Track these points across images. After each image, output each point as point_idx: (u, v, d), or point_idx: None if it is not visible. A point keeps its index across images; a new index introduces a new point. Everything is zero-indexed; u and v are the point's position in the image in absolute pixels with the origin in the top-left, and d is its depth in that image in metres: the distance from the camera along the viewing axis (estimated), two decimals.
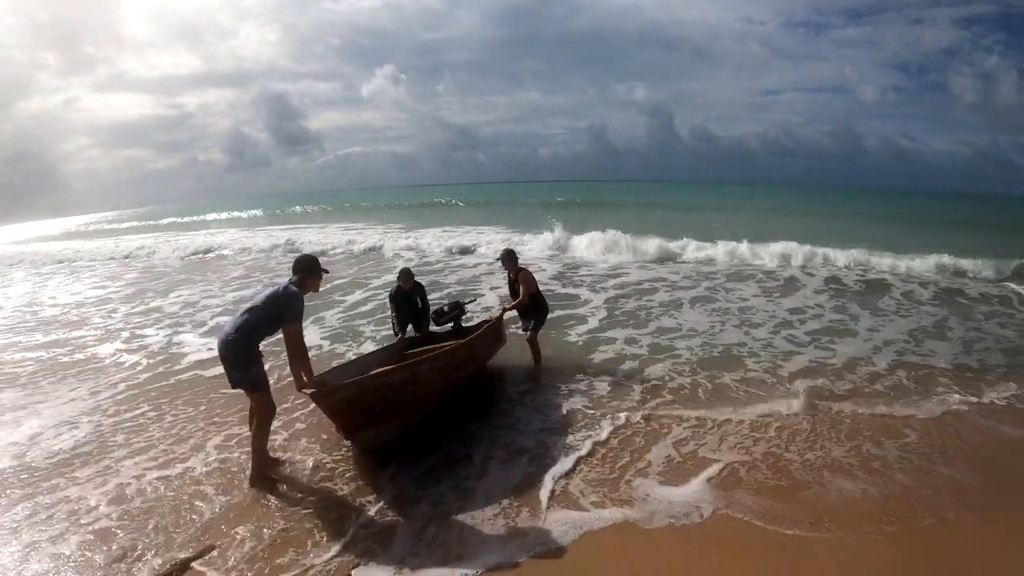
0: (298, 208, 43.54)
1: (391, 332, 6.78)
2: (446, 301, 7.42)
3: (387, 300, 6.82)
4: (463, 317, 6.96)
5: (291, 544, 3.48)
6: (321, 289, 4.50)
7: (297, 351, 4.14)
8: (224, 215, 42.71)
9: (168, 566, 3.26)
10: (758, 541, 3.39)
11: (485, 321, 6.86)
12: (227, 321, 4.32)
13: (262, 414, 4.18)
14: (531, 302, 6.50)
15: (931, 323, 8.58)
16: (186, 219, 41.64)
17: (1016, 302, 9.93)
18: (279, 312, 4.09)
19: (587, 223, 18.52)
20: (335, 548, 3.41)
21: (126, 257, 20.30)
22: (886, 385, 6.11)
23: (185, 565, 3.27)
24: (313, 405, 5.22)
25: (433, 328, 6.82)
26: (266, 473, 4.24)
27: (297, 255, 4.57)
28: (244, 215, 41.73)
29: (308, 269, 4.33)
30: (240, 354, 4.03)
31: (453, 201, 42.54)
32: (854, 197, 52.43)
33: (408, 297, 6.63)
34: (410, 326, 6.75)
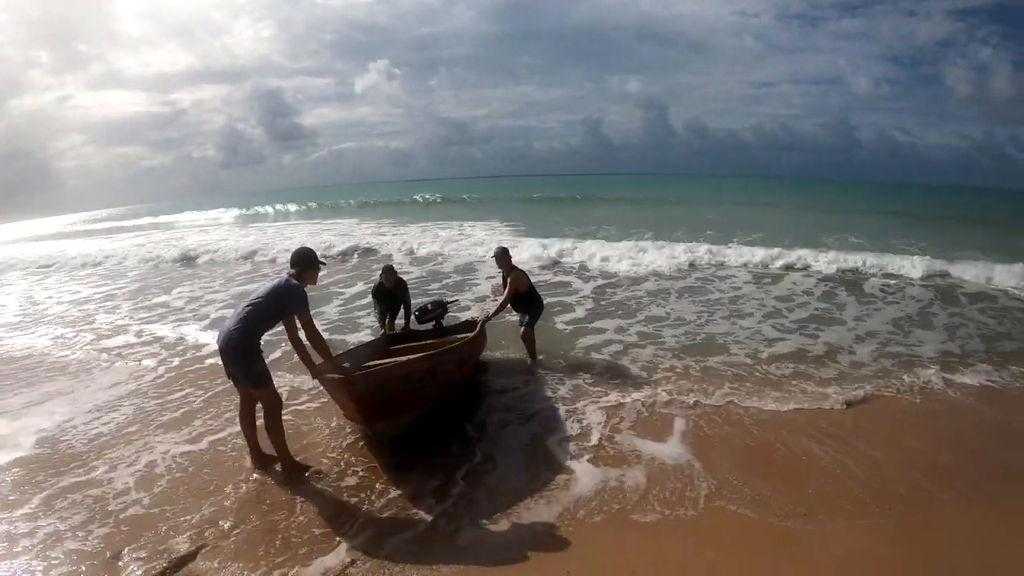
0: (278, 207, 39.92)
1: (414, 311, 6.85)
2: (429, 299, 7.51)
3: (371, 296, 6.85)
4: (445, 316, 6.99)
5: (299, 538, 3.49)
6: (319, 283, 4.52)
7: (313, 338, 4.14)
8: (199, 215, 39.36)
9: (164, 563, 3.26)
10: (752, 535, 3.41)
11: (467, 321, 6.94)
12: (228, 316, 4.27)
13: (270, 407, 4.16)
14: (526, 299, 6.52)
15: (915, 311, 8.82)
16: (161, 218, 38.74)
17: (1005, 296, 9.94)
18: (282, 306, 4.10)
19: (575, 220, 18.75)
20: (338, 544, 3.42)
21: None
22: (867, 368, 6.34)
23: (180, 563, 3.27)
24: (319, 392, 5.37)
25: (414, 325, 6.84)
26: (266, 461, 4.30)
27: (295, 249, 4.48)
28: (225, 213, 38.74)
29: (305, 262, 4.32)
30: (242, 347, 3.99)
31: (435, 198, 40.21)
32: (850, 191, 52.48)
33: (390, 294, 6.66)
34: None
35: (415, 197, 41.02)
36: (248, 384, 4.13)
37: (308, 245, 4.52)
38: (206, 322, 9.09)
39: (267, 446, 4.35)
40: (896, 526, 3.50)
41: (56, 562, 3.38)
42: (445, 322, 6.98)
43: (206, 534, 3.53)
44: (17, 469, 4.56)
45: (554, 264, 12.78)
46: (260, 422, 4.30)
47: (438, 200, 38.82)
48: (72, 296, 12.46)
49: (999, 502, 3.82)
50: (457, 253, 14.55)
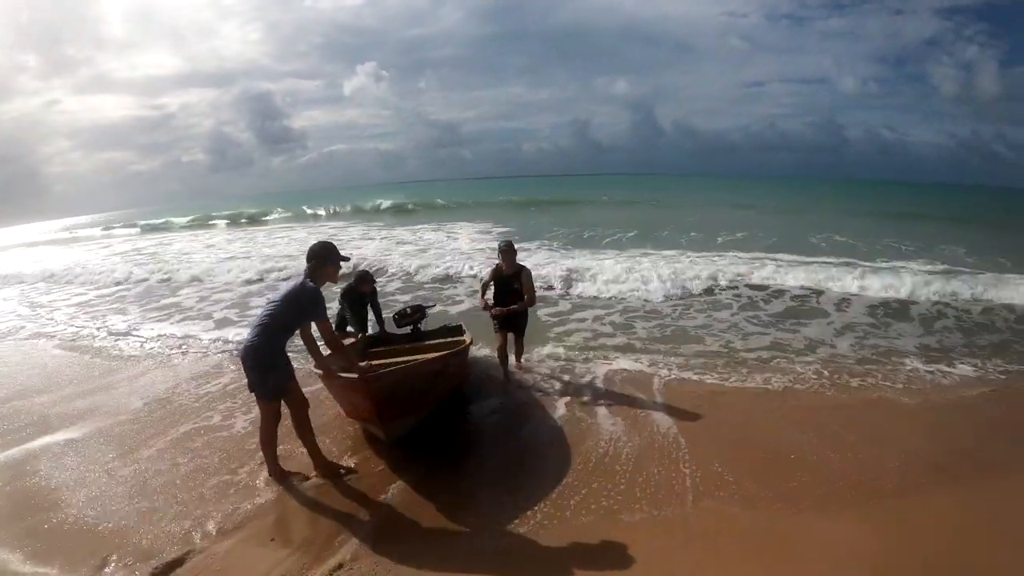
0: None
1: (375, 326, 6.68)
2: (408, 304, 7.40)
3: (340, 298, 6.55)
4: (423, 321, 6.82)
5: (292, 538, 3.43)
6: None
7: (332, 345, 4.00)
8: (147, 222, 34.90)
9: (150, 569, 3.15)
10: (740, 533, 3.35)
11: (445, 326, 6.85)
12: (250, 324, 4.07)
13: (293, 413, 4.02)
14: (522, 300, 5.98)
15: (895, 307, 8.81)
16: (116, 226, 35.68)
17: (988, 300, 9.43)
18: (298, 311, 3.88)
19: (564, 222, 18.77)
20: (330, 546, 3.33)
21: None
22: (849, 359, 6.42)
23: (168, 569, 3.16)
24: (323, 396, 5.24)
25: (391, 329, 6.73)
26: (285, 476, 4.10)
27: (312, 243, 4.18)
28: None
29: (320, 258, 4.00)
30: (259, 356, 3.83)
31: (406, 204, 34.69)
32: (840, 190, 52.44)
33: (361, 299, 6.45)
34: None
35: (378, 202, 36.16)
36: (263, 397, 3.95)
37: (326, 240, 4.24)
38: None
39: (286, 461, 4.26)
40: (882, 518, 3.46)
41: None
42: (423, 326, 6.88)
43: (194, 542, 3.41)
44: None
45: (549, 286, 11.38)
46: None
47: (406, 207, 34.50)
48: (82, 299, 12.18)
49: (981, 489, 3.85)
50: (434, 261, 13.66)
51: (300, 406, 4.04)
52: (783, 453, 4.28)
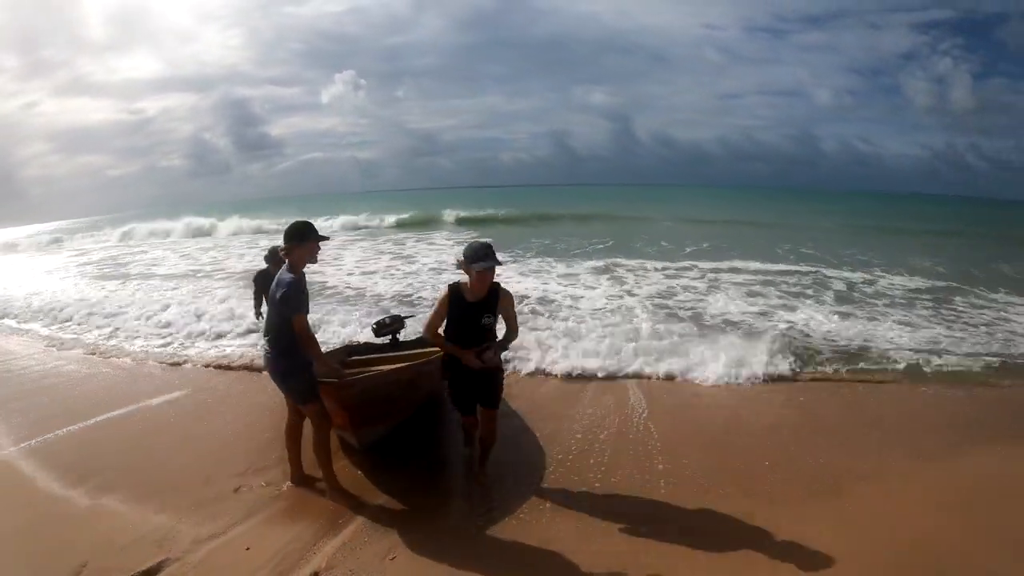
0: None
1: (372, 325, 6.55)
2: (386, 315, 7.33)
3: (254, 284, 6.13)
4: (401, 331, 6.68)
5: (270, 543, 3.42)
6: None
7: (303, 342, 3.61)
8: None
9: None
10: (715, 534, 3.38)
11: (422, 337, 6.71)
12: None
13: (316, 424, 3.90)
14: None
15: (859, 305, 8.91)
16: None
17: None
18: (277, 309, 3.63)
19: (541, 233, 19.05)
20: (307, 552, 3.33)
21: None
22: (819, 353, 6.61)
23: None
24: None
25: (371, 338, 6.66)
26: (307, 480, 4.11)
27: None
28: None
29: (295, 237, 3.62)
30: (276, 365, 3.75)
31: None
32: (816, 201, 53.11)
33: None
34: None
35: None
36: (295, 401, 3.95)
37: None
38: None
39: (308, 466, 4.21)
40: (858, 516, 3.52)
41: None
42: (401, 336, 6.80)
43: (169, 549, 3.37)
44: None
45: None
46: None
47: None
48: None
49: (952, 480, 3.96)
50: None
51: (320, 423, 3.96)
52: (758, 452, 4.36)
